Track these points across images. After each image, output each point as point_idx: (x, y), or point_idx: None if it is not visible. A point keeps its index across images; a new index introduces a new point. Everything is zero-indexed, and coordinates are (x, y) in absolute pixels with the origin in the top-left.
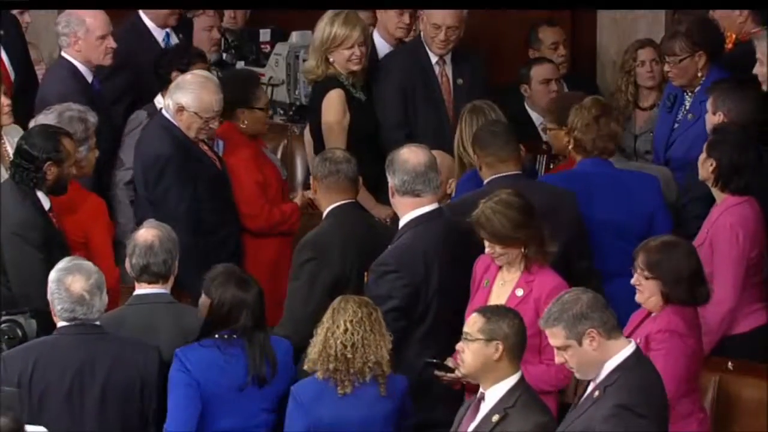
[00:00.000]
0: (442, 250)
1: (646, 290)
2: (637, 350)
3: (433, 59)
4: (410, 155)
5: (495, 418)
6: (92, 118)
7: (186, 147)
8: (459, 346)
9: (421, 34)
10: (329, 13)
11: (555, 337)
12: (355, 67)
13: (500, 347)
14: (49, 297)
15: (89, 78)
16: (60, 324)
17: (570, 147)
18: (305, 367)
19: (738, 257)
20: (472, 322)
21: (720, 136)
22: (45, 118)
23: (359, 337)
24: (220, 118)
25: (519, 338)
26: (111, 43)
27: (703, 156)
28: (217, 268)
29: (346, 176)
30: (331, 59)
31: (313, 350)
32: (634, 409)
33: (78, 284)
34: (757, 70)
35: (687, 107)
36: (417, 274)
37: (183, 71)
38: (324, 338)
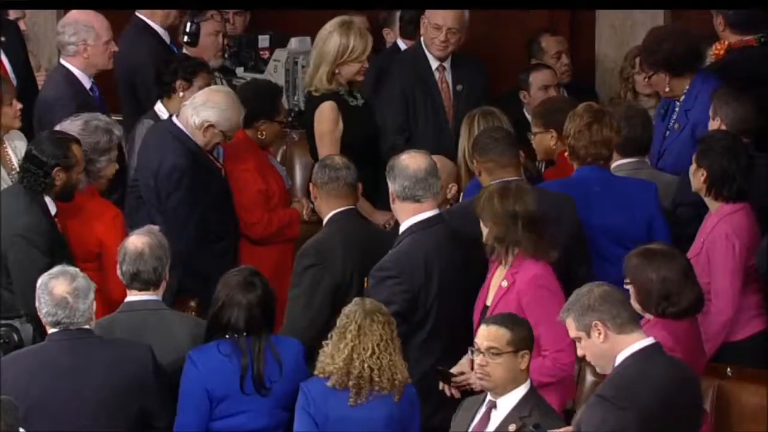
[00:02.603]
0: (442, 256)
1: (632, 295)
2: (651, 347)
3: (434, 65)
4: (410, 161)
5: (512, 428)
6: (117, 131)
7: (197, 157)
8: (480, 359)
9: (422, 39)
10: (335, 24)
11: (569, 327)
12: (361, 78)
13: (527, 356)
14: (37, 304)
15: (87, 84)
16: (50, 331)
17: (566, 154)
18: (315, 372)
19: (735, 267)
20: (497, 336)
21: (707, 145)
22: (71, 124)
23: (386, 361)
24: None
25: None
26: (114, 47)
27: (693, 167)
28: (234, 270)
29: (346, 182)
30: (337, 71)
31: (332, 364)
32: (614, 400)
33: (61, 287)
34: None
35: (675, 117)
36: (416, 279)
37: (188, 80)
38: (348, 357)
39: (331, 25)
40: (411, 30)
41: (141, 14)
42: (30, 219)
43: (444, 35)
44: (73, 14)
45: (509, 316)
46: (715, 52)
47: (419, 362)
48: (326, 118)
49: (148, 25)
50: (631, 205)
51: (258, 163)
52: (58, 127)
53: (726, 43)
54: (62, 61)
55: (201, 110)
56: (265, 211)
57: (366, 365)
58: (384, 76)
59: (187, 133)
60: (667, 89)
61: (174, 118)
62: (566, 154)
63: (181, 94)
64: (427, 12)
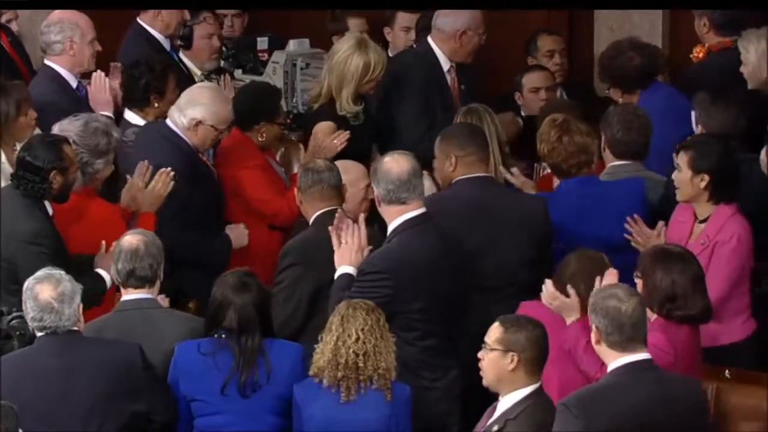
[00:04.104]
0: (430, 254)
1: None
2: (639, 363)
3: (445, 66)
4: (393, 164)
5: (495, 428)
6: (116, 133)
7: (190, 159)
8: (480, 354)
9: (432, 42)
10: (351, 45)
11: None
12: (372, 92)
13: (515, 359)
14: (24, 308)
15: (74, 83)
16: (38, 335)
17: (549, 172)
18: (310, 373)
19: (736, 267)
20: (491, 331)
21: (701, 150)
22: (70, 124)
23: (371, 346)
24: (236, 128)
25: (537, 350)
26: (98, 46)
27: (687, 175)
28: (229, 271)
29: (329, 184)
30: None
31: (322, 358)
32: (571, 408)
33: (46, 292)
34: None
35: None
36: (402, 277)
37: (161, 92)
38: (334, 347)
39: (348, 47)
40: (426, 36)
41: (142, 21)
42: (36, 225)
43: (480, 38)
44: (57, 14)
45: (519, 316)
46: (695, 54)
47: (413, 360)
48: (320, 140)
49: (148, 32)
50: (621, 209)
51: (263, 164)
52: (56, 126)
53: (706, 45)
54: (47, 62)
55: (186, 109)
56: (281, 198)
57: (351, 351)
58: (401, 76)
59: (179, 133)
60: (621, 102)
61: (168, 121)
62: (549, 172)
63: (156, 105)
64: (467, 23)
